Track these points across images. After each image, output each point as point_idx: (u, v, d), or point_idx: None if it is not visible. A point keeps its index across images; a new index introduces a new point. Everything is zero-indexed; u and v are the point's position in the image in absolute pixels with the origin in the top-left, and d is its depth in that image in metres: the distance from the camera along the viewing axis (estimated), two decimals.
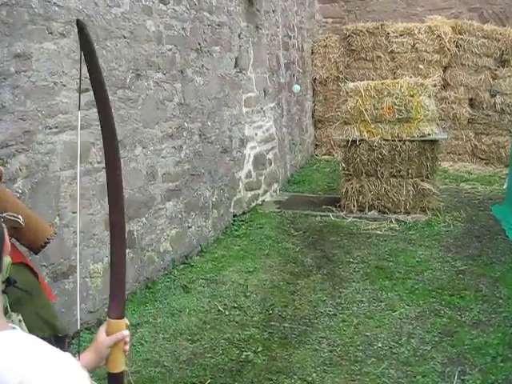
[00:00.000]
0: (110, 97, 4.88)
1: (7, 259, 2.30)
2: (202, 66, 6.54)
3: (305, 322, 4.87)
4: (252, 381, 4.02)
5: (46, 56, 4.12)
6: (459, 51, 10.67)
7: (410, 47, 10.89)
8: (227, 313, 5.08)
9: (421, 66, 10.83)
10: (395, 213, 7.61)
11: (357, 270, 5.92)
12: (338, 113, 8.70)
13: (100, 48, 4.73)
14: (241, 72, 7.62)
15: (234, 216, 7.53)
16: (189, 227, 6.35)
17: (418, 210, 7.59)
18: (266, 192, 8.45)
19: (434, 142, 7.56)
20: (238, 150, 7.56)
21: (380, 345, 4.42)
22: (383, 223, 7.32)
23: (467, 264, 5.93)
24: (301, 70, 10.88)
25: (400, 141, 7.50)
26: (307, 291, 5.48)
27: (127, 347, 1.74)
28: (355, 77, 10.84)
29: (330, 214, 7.75)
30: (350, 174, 7.82)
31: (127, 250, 5.22)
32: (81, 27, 1.66)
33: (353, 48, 11.32)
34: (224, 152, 7.14)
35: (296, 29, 10.48)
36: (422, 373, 3.99)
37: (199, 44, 6.44)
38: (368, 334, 4.60)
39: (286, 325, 4.83)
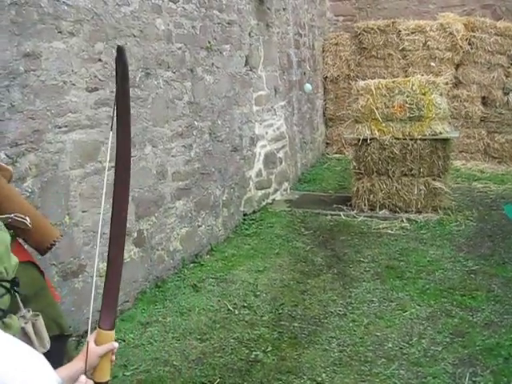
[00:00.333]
0: None
1: (14, 260, 2.30)
2: (212, 64, 6.53)
3: (315, 321, 4.85)
4: (261, 381, 4.00)
5: (56, 55, 4.12)
6: (472, 49, 10.58)
7: (421, 45, 10.81)
8: (237, 312, 5.06)
9: (433, 64, 10.75)
10: (406, 212, 7.56)
11: (367, 269, 5.88)
12: (349, 111, 8.65)
13: (109, 47, 4.73)
14: (251, 70, 7.60)
15: (245, 215, 7.52)
16: (199, 226, 6.34)
17: (429, 209, 7.54)
18: (276, 191, 8.43)
19: (445, 140, 7.50)
20: (248, 148, 7.54)
21: (390, 345, 4.39)
22: (394, 222, 7.27)
23: (479, 264, 5.88)
24: (312, 69, 10.84)
25: (411, 139, 7.45)
26: (317, 291, 5.45)
27: (113, 357, 1.75)
28: (366, 75, 10.78)
29: (341, 213, 7.72)
30: (361, 173, 7.78)
31: (137, 249, 5.23)
32: (120, 53, 1.67)
33: (364, 46, 11.26)
34: (234, 151, 7.12)
35: (307, 27, 10.45)
36: (432, 374, 3.96)
37: (209, 42, 6.43)
38: (378, 334, 4.57)
39: (296, 324, 4.81)
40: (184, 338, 4.62)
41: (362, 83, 7.80)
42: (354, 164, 7.84)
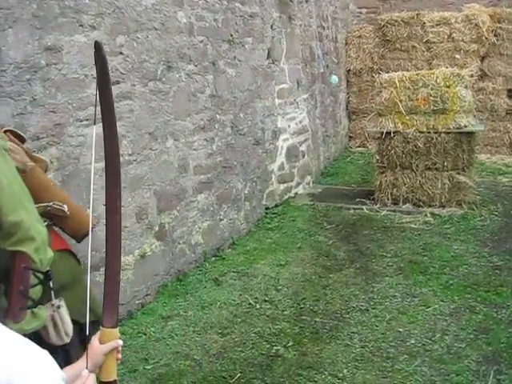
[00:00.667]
0: (142, 89, 4.91)
1: (50, 253, 2.32)
2: (234, 57, 6.50)
3: (336, 316, 4.82)
4: (282, 376, 3.98)
5: (77, 49, 4.12)
6: (497, 40, 10.42)
7: (446, 37, 10.67)
8: (258, 306, 5.05)
9: (457, 56, 10.61)
10: (430, 206, 7.48)
11: (390, 264, 5.83)
12: (373, 104, 8.57)
13: (131, 40, 4.72)
14: (273, 63, 7.55)
15: (267, 208, 7.49)
16: (220, 220, 6.33)
17: (453, 204, 7.44)
18: (298, 184, 8.39)
19: (470, 133, 7.40)
20: (270, 141, 7.51)
21: (413, 341, 4.34)
22: (418, 217, 7.20)
23: (504, 259, 5.79)
24: (335, 61, 10.76)
25: (435, 133, 7.36)
26: (339, 285, 5.41)
27: (120, 356, 1.73)
28: (390, 68, 10.68)
29: (364, 207, 7.65)
30: (384, 167, 7.71)
31: (158, 243, 5.23)
32: (98, 48, 1.66)
33: (388, 38, 11.14)
34: (256, 144, 7.10)
35: (330, 19, 10.37)
36: (455, 371, 3.91)
37: (231, 35, 6.40)
38: (401, 329, 4.53)
39: (318, 319, 4.77)
40: (205, 332, 4.61)
41: (385, 76, 7.72)
42: (377, 157, 7.77)
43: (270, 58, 7.44)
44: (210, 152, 6.05)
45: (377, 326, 4.60)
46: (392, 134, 7.52)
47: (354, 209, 7.64)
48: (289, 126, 8.04)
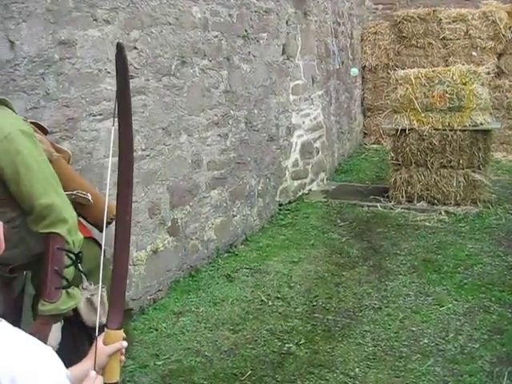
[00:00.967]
0: (156, 83, 4.90)
1: (79, 236, 2.34)
2: (249, 53, 6.47)
3: (349, 314, 4.79)
4: (293, 373, 3.96)
5: (91, 43, 4.11)
6: None
7: (463, 34, 10.58)
8: (270, 303, 5.02)
9: (474, 53, 10.52)
10: (445, 204, 7.42)
11: (404, 262, 5.78)
12: (388, 101, 8.51)
13: (145, 35, 4.71)
14: (288, 59, 7.52)
15: (280, 205, 7.47)
16: (233, 216, 6.31)
17: (468, 202, 7.38)
18: (312, 181, 8.36)
19: (486, 131, 7.34)
20: (284, 138, 7.48)
21: (426, 341, 4.30)
22: (432, 215, 7.14)
23: None
24: (350, 57, 10.70)
25: (451, 130, 7.30)
26: (352, 283, 5.38)
27: (123, 358, 1.72)
28: (406, 64, 10.59)
29: (378, 205, 7.61)
30: (399, 164, 7.66)
31: (171, 238, 5.22)
32: (120, 50, 1.64)
33: (403, 35, 11.06)
34: (270, 140, 7.07)
35: (345, 15, 10.31)
36: (469, 372, 3.86)
37: (246, 31, 6.36)
38: (414, 329, 4.49)
39: (330, 317, 4.75)
40: (216, 329, 4.60)
41: (401, 72, 7.67)
42: (392, 155, 7.72)
43: (284, 53, 7.40)
44: (224, 148, 6.03)
45: (389, 325, 4.56)
46: (407, 131, 7.47)
47: (368, 206, 7.60)
48: (303, 123, 8.00)
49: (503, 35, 10.27)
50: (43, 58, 3.73)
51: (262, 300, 5.08)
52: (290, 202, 7.67)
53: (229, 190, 6.17)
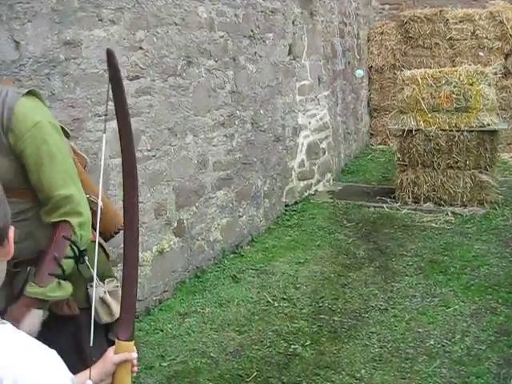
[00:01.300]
0: (161, 84, 4.89)
1: (89, 234, 2.32)
2: (255, 53, 6.46)
3: (355, 315, 4.77)
4: (299, 375, 3.94)
5: (96, 43, 4.10)
6: None
7: (469, 34, 10.54)
8: (276, 304, 5.01)
9: (481, 54, 10.48)
10: (451, 205, 7.39)
11: (410, 263, 5.76)
12: (394, 101, 8.50)
13: (150, 35, 4.70)
14: (294, 59, 7.50)
15: (286, 206, 7.45)
16: (240, 216, 6.30)
17: (475, 203, 7.35)
18: (319, 182, 8.34)
19: (493, 132, 7.31)
20: (290, 138, 7.47)
21: (432, 342, 4.28)
22: (439, 216, 7.12)
23: None
24: (357, 58, 10.68)
25: (458, 131, 7.27)
26: (358, 284, 5.36)
27: (135, 369, 1.71)
28: (412, 65, 10.55)
29: (384, 206, 7.59)
30: (406, 165, 7.64)
31: (177, 239, 5.21)
32: (109, 56, 1.64)
33: (410, 35, 11.03)
34: (276, 141, 7.06)
35: (352, 15, 10.28)
36: (475, 373, 3.84)
37: (252, 31, 6.35)
38: (420, 330, 4.47)
39: (336, 318, 4.73)
40: (222, 330, 4.59)
41: (407, 73, 7.65)
42: (399, 155, 7.69)
43: (291, 54, 7.39)
44: (230, 148, 6.02)
45: (396, 326, 4.54)
46: (414, 132, 7.45)
47: (375, 207, 7.58)
48: (309, 123, 7.99)
49: (510, 35, 10.23)
50: (48, 58, 3.72)
51: (268, 301, 5.06)
52: (296, 203, 7.65)
53: (235, 191, 6.16)
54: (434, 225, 6.85)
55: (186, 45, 5.21)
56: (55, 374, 1.13)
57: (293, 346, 4.31)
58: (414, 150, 7.47)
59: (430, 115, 7.39)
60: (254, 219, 6.59)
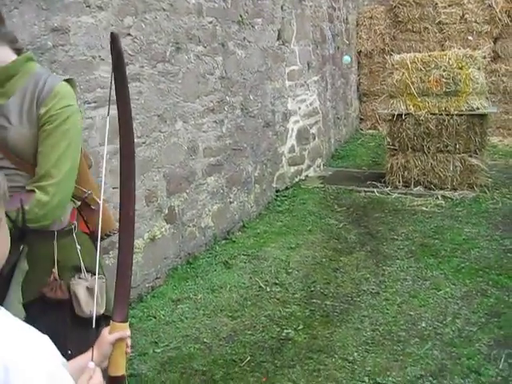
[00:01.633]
0: (150, 70, 4.86)
1: (42, 221, 2.28)
2: (244, 38, 6.43)
3: (347, 299, 4.79)
4: (292, 359, 3.96)
5: (84, 30, 4.07)
6: (511, 21, 10.28)
7: (458, 18, 10.56)
8: (268, 289, 5.03)
9: (470, 38, 10.49)
10: (442, 189, 7.43)
11: (401, 247, 5.79)
12: (384, 86, 8.52)
13: (139, 21, 4.67)
14: (283, 45, 7.48)
15: (277, 191, 7.46)
16: (231, 202, 6.30)
17: (465, 187, 7.39)
18: (309, 167, 8.34)
19: (483, 116, 7.33)
20: (280, 124, 7.46)
21: (424, 325, 4.31)
22: (429, 199, 7.15)
23: None
24: (346, 43, 10.66)
25: (447, 115, 7.30)
26: (350, 268, 5.38)
27: (129, 350, 1.75)
28: (401, 49, 10.59)
29: (375, 190, 7.61)
30: (396, 149, 7.66)
31: (168, 226, 5.21)
32: (113, 40, 1.63)
33: (399, 19, 11.03)
34: (266, 126, 7.05)
35: (341, 0, 10.25)
36: (467, 355, 3.87)
37: (241, 16, 6.33)
38: (412, 313, 4.49)
39: (328, 302, 4.75)
40: (215, 315, 4.60)
41: (397, 57, 7.65)
42: (389, 140, 7.72)
43: (280, 39, 7.37)
44: (220, 134, 6.01)
45: (388, 310, 4.57)
46: (403, 116, 7.47)
47: (365, 191, 7.61)
48: (299, 108, 7.98)
49: (499, 19, 10.25)
50: (36, 45, 3.69)
51: (260, 286, 5.08)
52: (286, 188, 7.66)
53: (225, 177, 6.16)
54: (424, 208, 6.88)
55: (174, 31, 5.18)
56: (47, 359, 1.13)
57: (285, 331, 4.33)
58: (403, 134, 7.49)
59: (419, 99, 7.40)
60: (244, 205, 6.60)
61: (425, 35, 10.87)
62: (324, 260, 5.59)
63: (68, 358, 1.73)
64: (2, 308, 1.19)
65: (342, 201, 7.32)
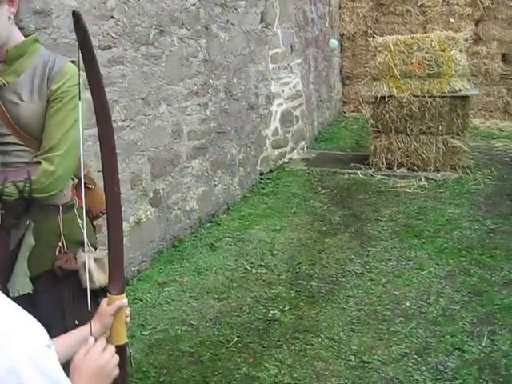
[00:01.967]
0: (134, 53, 4.84)
1: (46, 192, 2.31)
2: (227, 21, 6.41)
3: (332, 280, 4.83)
4: (279, 339, 4.00)
5: (66, 12, 4.03)
6: (492, 4, 10.31)
7: (440, 0, 10.56)
8: (254, 271, 5.06)
9: (452, 20, 10.51)
10: (425, 170, 7.48)
11: (385, 228, 5.84)
12: (367, 69, 8.51)
13: (121, 3, 4.64)
14: (267, 27, 7.47)
15: (261, 174, 7.47)
16: (215, 185, 6.31)
17: (447, 168, 7.45)
18: (293, 150, 8.36)
19: (465, 98, 7.38)
20: (264, 107, 7.46)
21: (408, 304, 4.37)
22: (412, 181, 7.20)
23: (498, 223, 5.82)
24: (328, 26, 10.65)
25: (430, 97, 7.33)
26: (335, 249, 5.43)
27: (128, 319, 1.78)
28: (384, 32, 10.56)
29: (358, 172, 7.65)
30: (379, 131, 7.69)
31: (153, 209, 5.22)
32: (77, 19, 1.63)
33: (382, 2, 11.01)
34: (250, 109, 7.05)
35: None
36: (450, 333, 3.94)
37: None
38: (396, 293, 4.55)
39: (314, 283, 4.79)
40: (201, 298, 4.63)
41: (379, 40, 7.66)
42: (372, 122, 7.74)
43: (263, 21, 7.35)
44: (204, 117, 6.01)
45: (372, 290, 4.62)
46: (386, 99, 7.49)
47: (349, 173, 7.64)
48: (283, 91, 7.98)
49: (481, 2, 10.27)
50: (18, 27, 3.65)
51: (246, 268, 5.11)
52: (270, 171, 7.68)
53: (210, 160, 6.16)
54: (407, 190, 6.93)
55: (157, 13, 5.16)
56: (31, 336, 1.13)
57: (272, 312, 4.37)
58: (387, 116, 7.52)
59: (402, 81, 7.43)
60: (229, 188, 6.61)
61: (407, 18, 10.88)
62: (309, 242, 5.63)
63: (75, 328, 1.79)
64: None
65: (325, 183, 7.35)
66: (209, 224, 6.08)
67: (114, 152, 1.76)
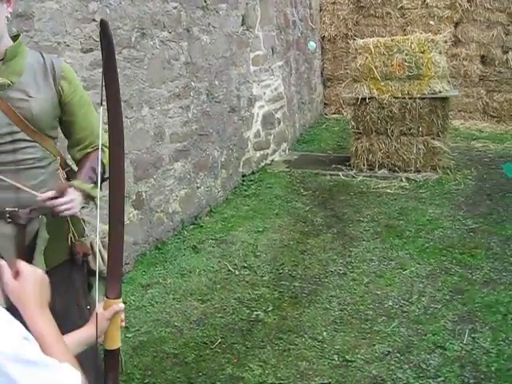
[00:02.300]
0: (116, 56, 4.80)
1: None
2: (209, 24, 6.43)
3: (315, 281, 4.86)
4: (263, 340, 4.02)
5: (49, 15, 4.04)
6: (471, 6, 10.43)
7: (420, 3, 10.66)
8: (237, 273, 5.07)
9: (431, 23, 10.62)
10: (405, 171, 7.55)
11: (367, 228, 5.89)
12: (347, 71, 8.59)
13: (103, 6, 4.65)
14: (248, 30, 7.49)
15: (243, 176, 7.50)
16: (198, 187, 6.32)
17: (428, 169, 7.52)
18: (275, 151, 8.39)
19: (444, 99, 7.45)
20: (246, 109, 7.49)
21: (390, 303, 4.41)
22: (393, 182, 7.26)
23: (478, 222, 5.89)
24: (310, 28, 10.70)
25: (410, 98, 7.40)
26: (317, 250, 5.46)
27: (123, 324, 1.82)
28: (364, 34, 10.64)
29: (340, 173, 7.70)
30: (360, 133, 7.75)
31: (136, 212, 5.22)
32: (104, 27, 1.66)
33: (362, 4, 11.10)
34: (232, 111, 7.07)
35: None
36: (432, 331, 3.98)
37: (205, 1, 6.32)
38: (378, 292, 4.59)
39: (297, 284, 4.82)
40: (185, 299, 4.63)
41: (360, 42, 7.71)
42: (353, 124, 7.79)
43: (244, 24, 7.37)
44: (186, 120, 6.02)
45: (355, 290, 4.66)
46: (367, 100, 7.55)
47: (331, 175, 7.69)
48: (264, 94, 8.01)
49: (459, 4, 10.38)
50: None
51: (229, 270, 5.12)
52: (253, 173, 7.70)
53: (192, 162, 6.17)
54: (388, 191, 6.99)
55: (139, 16, 5.16)
56: (7, 341, 1.13)
57: (255, 313, 4.39)
58: (367, 117, 7.58)
59: (382, 83, 7.49)
60: (211, 190, 6.62)
61: (387, 20, 10.96)
62: (291, 243, 5.66)
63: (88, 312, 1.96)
64: None
65: (307, 184, 7.39)
66: (192, 226, 6.09)
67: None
